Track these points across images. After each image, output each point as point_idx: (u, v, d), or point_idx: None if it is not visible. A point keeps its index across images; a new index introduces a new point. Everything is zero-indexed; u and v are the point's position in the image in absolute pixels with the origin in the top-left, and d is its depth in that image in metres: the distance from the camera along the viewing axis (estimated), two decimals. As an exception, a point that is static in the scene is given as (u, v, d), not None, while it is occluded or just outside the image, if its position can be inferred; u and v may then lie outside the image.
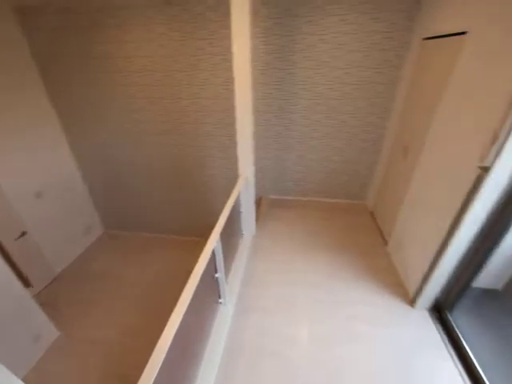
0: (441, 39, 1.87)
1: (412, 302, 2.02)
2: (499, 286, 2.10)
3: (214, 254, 1.61)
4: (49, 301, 3.05)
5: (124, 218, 4.09)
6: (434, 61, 1.99)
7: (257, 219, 2.95)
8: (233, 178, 2.33)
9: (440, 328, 1.88)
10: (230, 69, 1.85)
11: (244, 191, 2.39)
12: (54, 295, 3.20)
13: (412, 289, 2.04)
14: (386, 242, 2.64)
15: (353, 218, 3.06)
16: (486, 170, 1.35)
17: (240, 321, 1.90)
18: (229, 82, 2.71)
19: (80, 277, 3.50)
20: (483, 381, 1.49)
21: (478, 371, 1.55)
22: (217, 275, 1.73)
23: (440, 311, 1.97)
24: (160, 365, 0.94)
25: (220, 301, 1.90)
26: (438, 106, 1.83)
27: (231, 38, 1.74)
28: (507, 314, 2.05)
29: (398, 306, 2.02)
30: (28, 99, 3.00)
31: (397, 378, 1.58)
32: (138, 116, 3.12)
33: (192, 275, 1.27)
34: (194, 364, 1.49)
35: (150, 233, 4.14)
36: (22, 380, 1.16)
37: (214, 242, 1.49)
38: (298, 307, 2.02)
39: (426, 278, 1.87)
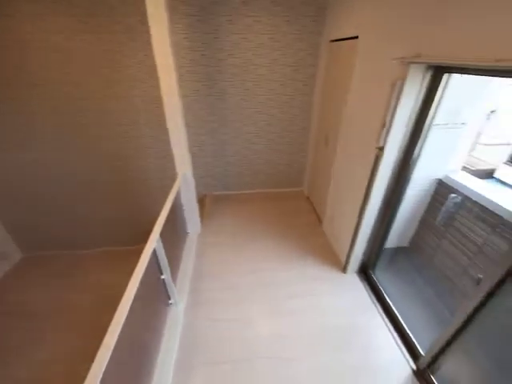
0: (342, 42, 2.19)
1: (344, 268, 2.35)
2: (406, 243, 2.60)
3: (156, 255, 1.58)
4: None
5: (48, 238, 3.57)
6: (340, 60, 2.31)
7: (202, 216, 2.95)
8: (172, 178, 2.29)
9: (367, 286, 2.24)
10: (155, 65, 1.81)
11: (184, 189, 2.37)
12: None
13: (343, 257, 2.36)
14: (320, 222, 2.96)
15: (292, 204, 3.33)
16: (381, 149, 1.66)
17: (192, 317, 1.91)
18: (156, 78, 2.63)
19: (-4, 313, 2.94)
20: (401, 323, 1.86)
21: (397, 316, 1.91)
22: (162, 276, 1.71)
23: (365, 272, 2.34)
24: (100, 378, 0.89)
25: (170, 301, 1.88)
26: (347, 99, 2.14)
27: (150, 32, 1.70)
28: (413, 265, 2.56)
29: (334, 275, 2.32)
30: None
31: (339, 336, 1.82)
32: (54, 119, 2.75)
33: (131, 280, 1.23)
34: (146, 367, 1.45)
35: (83, 249, 3.72)
36: None
37: (153, 242, 1.47)
38: (246, 293, 2.13)
39: (351, 246, 2.20)
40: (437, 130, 1.75)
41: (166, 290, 1.81)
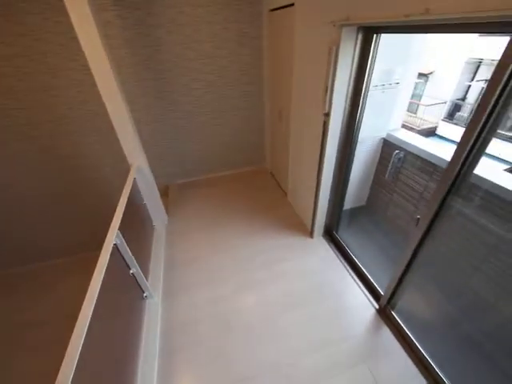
0: (281, 10, 2.16)
1: (311, 233, 2.49)
2: (364, 202, 2.82)
3: (119, 250, 1.53)
4: None
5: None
6: (281, 30, 2.29)
7: (167, 207, 2.89)
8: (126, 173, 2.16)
9: (332, 246, 2.41)
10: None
11: (142, 182, 2.27)
12: None
13: (308, 224, 2.50)
14: (285, 194, 3.07)
15: (256, 181, 3.38)
16: (327, 115, 1.73)
17: (170, 305, 1.93)
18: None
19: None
20: (364, 272, 2.06)
21: (360, 267, 2.11)
22: (131, 271, 1.67)
23: (330, 234, 2.51)
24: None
25: (144, 294, 1.86)
26: (294, 70, 2.15)
27: (67, 9, 1.51)
28: (371, 221, 2.81)
29: (302, 241, 2.46)
30: None
31: (312, 292, 1.97)
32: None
33: (93, 278, 1.19)
34: (129, 361, 1.46)
35: (27, 264, 3.32)
36: None
37: (112, 238, 1.41)
38: (221, 271, 2.19)
39: (314, 212, 2.33)
40: (375, 91, 1.87)
41: (139, 284, 1.78)
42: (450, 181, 1.13)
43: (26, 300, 3.04)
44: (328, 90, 1.63)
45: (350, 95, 1.67)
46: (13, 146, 2.60)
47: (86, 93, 2.52)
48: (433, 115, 8.21)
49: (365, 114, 1.77)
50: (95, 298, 1.12)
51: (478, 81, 7.60)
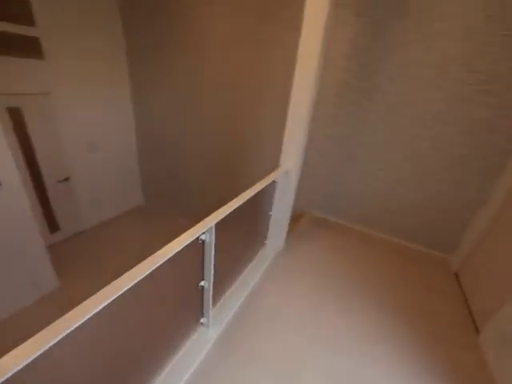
0: None
1: None
2: None
3: (203, 249, 1.12)
4: (63, 250, 3.00)
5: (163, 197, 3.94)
6: None
7: (290, 234, 2.34)
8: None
9: None
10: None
11: (280, 190, 1.85)
12: (72, 247, 3.12)
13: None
14: (476, 328, 1.68)
15: (426, 274, 2.13)
16: None
17: (223, 350, 1.32)
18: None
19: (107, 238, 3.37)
20: None
21: None
22: (202, 283, 1.22)
23: None
24: None
25: (201, 321, 1.37)
26: None
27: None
28: None
29: None
30: (110, 61, 3.12)
31: None
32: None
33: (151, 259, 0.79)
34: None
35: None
36: None
37: (201, 229, 0.99)
38: (306, 369, 1.33)
39: None
40: None
41: (201, 304, 1.31)
42: None
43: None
44: None
45: None
46: (212, 124, 3.00)
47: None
48: None
49: None
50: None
51: None
